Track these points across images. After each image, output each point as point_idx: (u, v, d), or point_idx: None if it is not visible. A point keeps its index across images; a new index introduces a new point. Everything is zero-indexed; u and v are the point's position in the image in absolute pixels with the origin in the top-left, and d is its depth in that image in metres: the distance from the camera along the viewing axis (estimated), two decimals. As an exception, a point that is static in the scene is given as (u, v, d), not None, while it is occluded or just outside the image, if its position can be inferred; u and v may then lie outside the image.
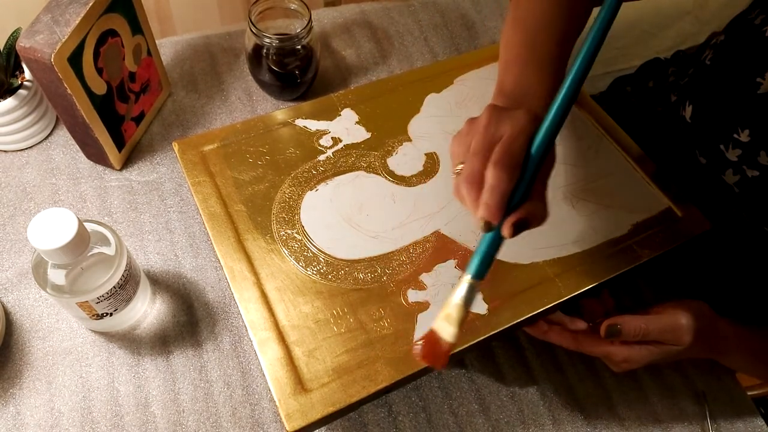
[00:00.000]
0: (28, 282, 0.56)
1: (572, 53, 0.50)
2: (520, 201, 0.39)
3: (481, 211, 0.38)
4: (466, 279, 0.39)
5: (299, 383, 0.44)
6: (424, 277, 0.49)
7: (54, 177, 0.63)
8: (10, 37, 0.60)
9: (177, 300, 0.57)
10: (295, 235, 0.51)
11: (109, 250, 0.48)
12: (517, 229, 0.38)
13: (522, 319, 0.48)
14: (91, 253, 0.47)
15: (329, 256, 0.50)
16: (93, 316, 0.50)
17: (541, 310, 0.48)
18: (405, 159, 0.57)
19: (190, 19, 1.10)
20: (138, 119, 0.64)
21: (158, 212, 0.62)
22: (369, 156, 0.57)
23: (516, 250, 0.51)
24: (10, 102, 0.59)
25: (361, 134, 0.58)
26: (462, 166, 0.41)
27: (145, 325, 0.55)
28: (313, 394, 0.43)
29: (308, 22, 0.63)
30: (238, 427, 0.51)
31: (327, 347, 0.45)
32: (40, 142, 0.65)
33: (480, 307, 0.48)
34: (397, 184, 0.55)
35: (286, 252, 0.50)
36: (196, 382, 0.53)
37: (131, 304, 0.52)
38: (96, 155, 0.62)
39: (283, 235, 0.51)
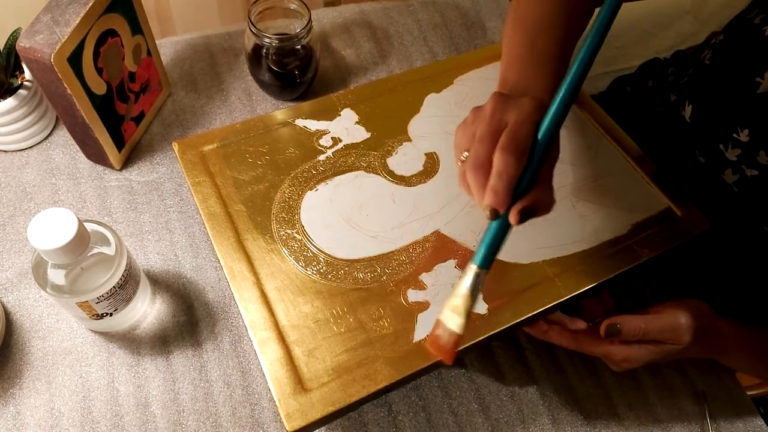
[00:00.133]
0: (28, 282, 0.56)
1: (575, 50, 0.50)
2: (527, 188, 0.39)
3: (488, 198, 0.38)
4: (473, 268, 0.39)
5: (299, 383, 0.44)
6: (424, 277, 0.49)
7: (54, 177, 0.63)
8: (10, 37, 0.60)
9: (177, 300, 0.57)
10: (295, 234, 0.51)
11: (109, 250, 0.48)
12: (524, 216, 0.38)
13: (522, 319, 0.48)
14: (91, 253, 0.47)
15: (329, 255, 0.50)
16: (93, 316, 0.50)
17: (541, 310, 0.48)
18: (405, 159, 0.57)
19: (190, 19, 1.10)
20: (138, 119, 0.64)
21: (158, 212, 0.62)
22: (369, 156, 0.57)
23: (516, 249, 0.51)
24: (10, 102, 0.59)
25: (360, 134, 0.58)
26: (467, 154, 0.41)
27: (145, 325, 0.56)
28: (313, 393, 0.43)
29: (308, 22, 0.63)
30: (238, 426, 0.51)
31: (327, 347, 0.45)
32: (40, 142, 0.65)
33: (480, 307, 0.48)
34: (396, 184, 0.55)
35: (285, 252, 0.50)
36: (196, 382, 0.53)
37: (131, 304, 0.52)
38: (96, 155, 0.62)
39: (283, 234, 0.51)
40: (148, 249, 0.59)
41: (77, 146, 0.63)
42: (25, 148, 0.64)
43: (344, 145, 0.57)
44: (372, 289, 0.49)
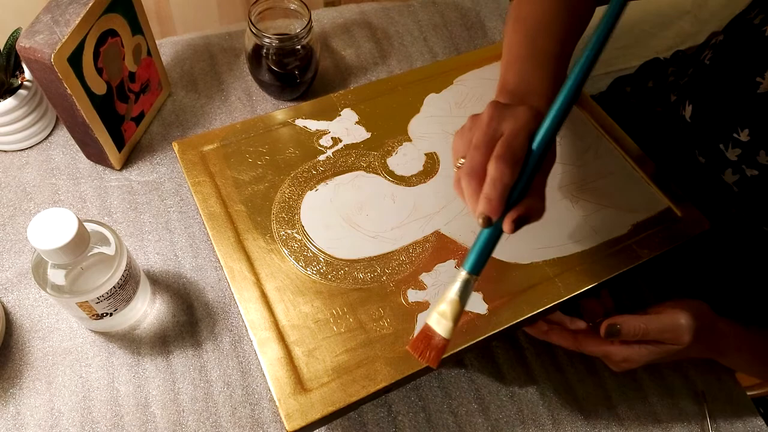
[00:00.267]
0: (28, 282, 0.56)
1: (575, 52, 0.50)
2: (519, 197, 0.39)
3: (481, 206, 0.38)
4: (462, 274, 0.39)
5: (299, 383, 0.44)
6: (424, 277, 0.49)
7: (54, 177, 0.63)
8: (10, 37, 0.60)
9: (177, 300, 0.57)
10: (295, 234, 0.51)
11: (109, 250, 0.48)
12: (518, 224, 0.38)
13: (522, 319, 0.48)
14: (91, 253, 0.47)
15: (329, 255, 0.50)
16: (93, 316, 0.50)
17: (541, 310, 0.48)
18: (405, 159, 0.57)
19: (190, 19, 1.10)
20: (138, 119, 0.64)
21: (158, 212, 0.62)
22: (369, 156, 0.57)
23: (516, 250, 0.51)
24: (10, 102, 0.59)
25: (360, 134, 0.58)
26: (463, 160, 0.41)
27: (145, 325, 0.56)
28: (313, 393, 0.43)
29: (308, 22, 0.63)
30: (238, 427, 0.51)
31: (327, 347, 0.45)
32: (40, 142, 0.65)
33: (480, 307, 0.48)
34: (396, 184, 0.55)
35: (285, 252, 0.50)
36: (196, 382, 0.53)
37: (131, 304, 0.52)
38: (96, 155, 0.62)
39: (283, 234, 0.51)
40: (148, 249, 0.59)
41: (77, 146, 0.63)
42: (25, 148, 0.64)
43: (344, 145, 0.57)
44: (372, 289, 0.49)
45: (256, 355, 0.45)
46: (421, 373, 0.46)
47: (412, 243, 0.51)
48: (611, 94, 0.82)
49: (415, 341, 0.40)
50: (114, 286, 0.48)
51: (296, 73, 0.67)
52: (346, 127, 0.58)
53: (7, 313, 0.55)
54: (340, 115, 0.59)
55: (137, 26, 0.59)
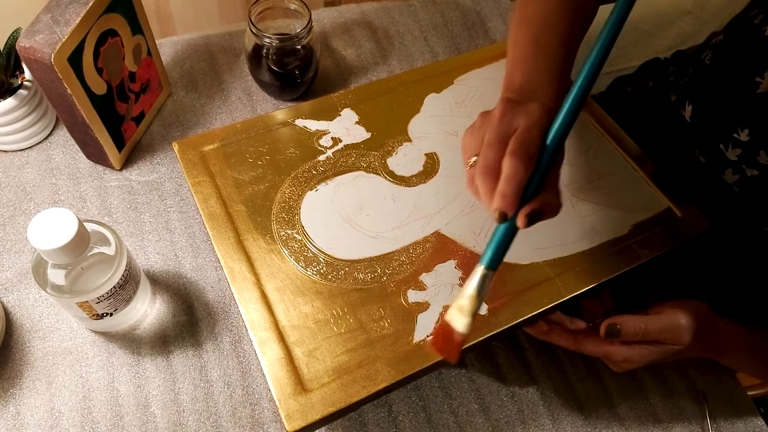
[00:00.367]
0: (28, 282, 0.56)
1: (584, 47, 0.50)
2: (534, 192, 0.39)
3: (496, 202, 0.38)
4: (479, 269, 0.39)
5: (299, 383, 0.44)
6: (424, 277, 0.49)
7: (54, 177, 0.63)
8: (10, 37, 0.60)
9: (177, 300, 0.57)
10: (295, 235, 0.51)
11: (109, 250, 0.48)
12: (532, 219, 0.38)
13: (522, 319, 0.48)
14: (91, 253, 0.47)
15: (329, 256, 0.50)
16: (93, 316, 0.50)
17: (541, 310, 0.48)
18: (405, 159, 0.57)
19: (190, 19, 1.10)
20: (138, 119, 0.64)
21: (158, 212, 0.62)
22: (369, 156, 0.57)
23: (516, 250, 0.51)
24: (10, 102, 0.59)
25: (361, 134, 0.58)
26: (475, 158, 0.41)
27: (145, 325, 0.56)
28: (313, 394, 0.43)
29: (308, 22, 0.63)
30: (238, 427, 0.51)
31: (327, 347, 0.45)
32: (40, 142, 0.65)
33: (480, 307, 0.48)
34: (397, 184, 0.55)
35: (286, 252, 0.50)
36: (196, 382, 0.53)
37: (131, 304, 0.52)
38: (96, 155, 0.62)
39: (283, 235, 0.51)
40: (148, 249, 0.59)
41: (77, 146, 0.63)
42: (25, 148, 0.64)
43: (344, 145, 0.57)
44: (372, 290, 0.49)
45: (256, 355, 0.45)
46: (422, 373, 0.46)
47: (412, 243, 0.51)
48: (611, 94, 0.82)
49: (434, 337, 0.40)
50: (114, 286, 0.48)
51: (296, 73, 0.67)
52: (346, 127, 0.58)
53: (7, 313, 0.55)
54: (340, 115, 0.59)
55: (137, 26, 0.59)
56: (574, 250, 0.52)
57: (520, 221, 0.38)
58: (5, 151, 0.64)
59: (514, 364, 0.56)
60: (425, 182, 0.55)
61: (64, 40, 0.50)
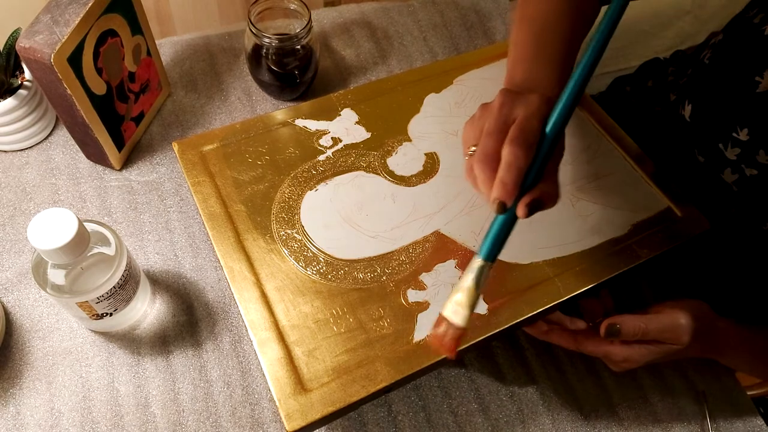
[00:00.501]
0: (28, 282, 0.56)
1: (583, 45, 0.50)
2: (533, 182, 0.39)
3: (496, 191, 0.38)
4: (477, 261, 0.39)
5: (299, 383, 0.44)
6: (424, 277, 0.49)
7: (54, 177, 0.63)
8: (10, 37, 0.60)
9: (177, 300, 0.57)
10: (295, 234, 0.51)
11: (109, 250, 0.48)
12: (532, 209, 0.38)
13: (522, 319, 0.48)
14: (91, 253, 0.47)
15: (329, 255, 0.50)
16: (93, 316, 0.50)
17: (541, 310, 0.48)
18: (405, 159, 0.57)
19: (190, 19, 1.10)
20: (138, 119, 0.64)
21: (158, 212, 0.62)
22: (369, 156, 0.57)
23: (516, 249, 0.51)
24: (10, 102, 0.59)
25: (360, 134, 0.58)
26: (475, 148, 0.41)
27: (145, 325, 0.56)
28: (313, 394, 0.43)
29: (308, 22, 0.63)
30: (238, 427, 0.51)
31: (327, 347, 0.45)
32: (40, 142, 0.65)
33: (480, 307, 0.48)
34: (396, 184, 0.55)
35: (285, 252, 0.50)
36: (196, 382, 0.53)
37: (131, 304, 0.52)
38: (96, 155, 0.62)
39: (283, 234, 0.51)
40: (148, 249, 0.59)
41: (77, 146, 0.63)
42: (25, 148, 0.64)
43: (344, 145, 0.57)
44: (372, 290, 0.49)
45: (256, 355, 0.45)
46: (421, 373, 0.46)
47: (412, 243, 0.51)
48: (611, 94, 0.82)
49: (432, 331, 0.40)
50: (114, 286, 0.48)
51: (296, 73, 0.67)
52: (346, 127, 0.58)
53: (7, 313, 0.55)
54: (340, 115, 0.59)
55: (137, 26, 0.59)
56: (573, 249, 0.52)
57: (520, 211, 0.38)
58: (5, 151, 0.64)
59: (514, 363, 0.57)
60: (425, 182, 0.55)
61: (63, 40, 0.50)
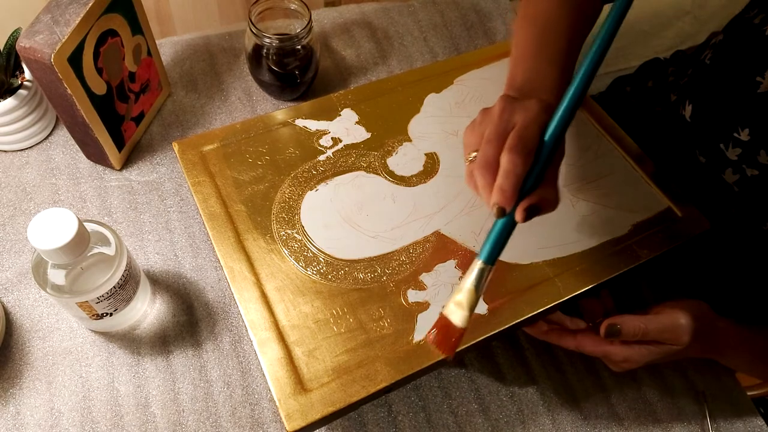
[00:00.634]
0: (28, 282, 0.56)
1: (584, 47, 0.50)
2: (532, 187, 0.40)
3: (495, 196, 0.39)
4: (477, 264, 0.39)
5: (299, 383, 0.44)
6: (424, 277, 0.49)
7: (54, 177, 0.63)
8: (10, 37, 0.60)
9: (177, 300, 0.57)
10: (295, 235, 0.51)
11: (109, 250, 0.48)
12: (530, 213, 0.39)
13: (522, 319, 0.48)
14: (91, 253, 0.47)
15: (329, 256, 0.50)
16: (93, 316, 0.50)
17: (541, 310, 0.48)
18: (405, 159, 0.57)
19: (190, 19, 1.11)
20: (138, 119, 0.64)
21: (158, 212, 0.62)
22: (369, 156, 0.57)
23: (516, 250, 0.51)
24: (10, 102, 0.59)
25: (361, 134, 0.58)
26: (475, 154, 0.42)
27: (145, 325, 0.56)
28: (313, 394, 0.43)
29: (308, 23, 0.63)
30: (238, 426, 0.51)
31: (327, 347, 0.45)
32: (40, 142, 0.65)
33: (480, 307, 0.48)
34: (396, 184, 0.55)
35: (286, 252, 0.50)
36: (196, 382, 0.53)
37: (131, 304, 0.52)
38: (96, 155, 0.62)
39: (283, 235, 0.51)
40: (148, 249, 0.59)
41: (77, 146, 0.63)
42: (25, 148, 0.64)
43: (344, 145, 0.57)
44: (372, 290, 0.49)
45: (256, 355, 0.45)
46: (421, 373, 0.46)
47: (412, 243, 0.51)
48: (611, 94, 0.82)
49: (431, 331, 0.40)
50: (114, 286, 0.48)
51: (296, 73, 0.67)
52: (346, 127, 0.58)
53: (7, 313, 0.55)
54: (340, 115, 0.59)
55: (137, 26, 0.59)
56: (573, 250, 0.52)
57: (518, 215, 0.39)
58: (5, 151, 0.64)
59: (514, 363, 0.57)
60: (425, 182, 0.55)
61: (64, 40, 0.50)
